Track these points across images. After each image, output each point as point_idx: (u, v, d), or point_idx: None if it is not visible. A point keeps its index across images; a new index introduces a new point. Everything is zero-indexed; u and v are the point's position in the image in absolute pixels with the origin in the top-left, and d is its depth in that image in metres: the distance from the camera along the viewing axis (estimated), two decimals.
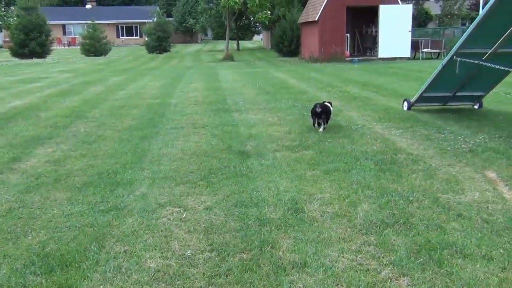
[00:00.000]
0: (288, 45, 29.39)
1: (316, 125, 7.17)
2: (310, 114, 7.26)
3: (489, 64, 7.01)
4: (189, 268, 3.11)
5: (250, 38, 65.83)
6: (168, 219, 3.91)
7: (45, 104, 10.42)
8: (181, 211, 4.09)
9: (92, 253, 3.32)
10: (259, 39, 62.47)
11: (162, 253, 3.33)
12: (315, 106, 7.04)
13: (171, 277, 3.01)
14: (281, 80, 15.17)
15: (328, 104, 7.28)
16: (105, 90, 13.18)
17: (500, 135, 6.52)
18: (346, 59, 23.11)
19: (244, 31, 56.34)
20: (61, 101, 10.95)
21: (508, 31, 6.60)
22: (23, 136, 7.15)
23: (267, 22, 29.10)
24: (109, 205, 4.22)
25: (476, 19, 6.76)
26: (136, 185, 4.76)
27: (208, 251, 3.34)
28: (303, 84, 13.69)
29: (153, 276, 3.02)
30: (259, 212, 3.99)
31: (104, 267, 3.12)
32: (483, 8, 6.62)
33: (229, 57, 28.23)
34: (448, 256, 3.18)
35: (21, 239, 3.57)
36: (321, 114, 6.98)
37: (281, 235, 3.56)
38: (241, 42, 49.86)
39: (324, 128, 7.00)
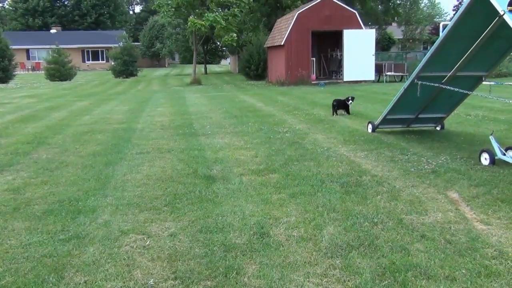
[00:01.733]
0: (255, 69, 29.64)
1: (335, 114, 11.48)
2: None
3: (448, 87, 7.21)
4: None
5: (218, 62, 66.21)
6: (131, 247, 3.82)
7: (5, 130, 10.16)
8: (145, 238, 4.01)
9: (51, 284, 3.20)
10: (227, 63, 62.91)
11: (124, 282, 3.24)
12: (334, 100, 11.81)
13: None
14: (248, 103, 15.24)
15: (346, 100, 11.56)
16: (70, 116, 12.96)
17: (462, 156, 6.68)
18: (313, 82, 23.45)
19: (211, 55, 56.64)
20: (23, 127, 10.70)
21: (465, 55, 6.82)
22: None
23: (234, 44, 29.30)
24: (70, 234, 4.10)
25: (434, 44, 6.97)
26: (99, 213, 4.64)
27: (172, 279, 3.26)
28: (270, 108, 13.77)
29: None
30: (225, 238, 3.94)
31: None
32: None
33: (196, 81, 28.25)
34: (413, 278, 3.19)
35: None
36: (338, 106, 11.59)
37: (246, 261, 3.51)
38: (208, 66, 50.07)
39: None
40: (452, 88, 7.13)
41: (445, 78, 7.35)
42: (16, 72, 36.26)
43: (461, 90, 7.14)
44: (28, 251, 3.78)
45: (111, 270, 3.42)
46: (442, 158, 6.58)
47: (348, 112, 11.67)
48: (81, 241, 3.95)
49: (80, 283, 3.22)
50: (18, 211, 4.75)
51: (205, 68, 46.39)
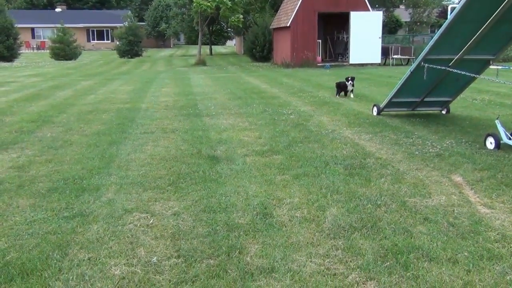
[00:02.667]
0: (260, 51, 29.44)
1: (338, 95, 11.52)
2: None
3: (455, 70, 7.14)
4: (155, 275, 3.05)
5: (223, 43, 65.78)
6: (134, 225, 3.84)
7: (10, 109, 10.17)
8: (148, 217, 4.02)
9: (55, 261, 3.22)
10: (232, 45, 62.51)
11: (127, 260, 3.26)
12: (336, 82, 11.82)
13: (136, 285, 2.94)
14: (253, 85, 15.18)
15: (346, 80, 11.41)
16: (74, 95, 12.95)
17: (467, 140, 6.65)
18: (318, 64, 23.30)
19: (216, 36, 56.22)
20: (28, 105, 10.71)
21: (473, 39, 6.75)
22: None
23: (240, 26, 29.09)
24: (74, 212, 4.12)
25: (442, 27, 6.89)
26: (103, 191, 4.66)
27: (175, 257, 3.28)
28: (274, 89, 13.72)
29: (117, 283, 2.95)
30: (228, 217, 3.95)
31: (66, 275, 3.03)
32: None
33: (201, 62, 28.12)
34: (415, 260, 3.20)
35: None
36: (341, 87, 11.57)
37: (249, 240, 3.53)
38: (213, 47, 49.76)
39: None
40: (458, 71, 7.07)
41: (452, 61, 7.28)
42: (21, 51, 36.24)
43: (467, 74, 7.08)
44: (32, 227, 3.80)
45: (114, 247, 3.44)
46: (447, 142, 6.56)
47: (345, 94, 11.53)
48: (85, 218, 3.97)
49: (84, 259, 3.25)
50: (22, 188, 4.77)
51: (210, 49, 46.13)
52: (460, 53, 7.15)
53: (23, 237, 3.62)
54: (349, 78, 11.34)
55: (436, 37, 6.97)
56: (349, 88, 11.40)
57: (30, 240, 3.56)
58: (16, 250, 3.40)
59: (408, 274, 3.01)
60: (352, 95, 11.40)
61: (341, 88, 11.55)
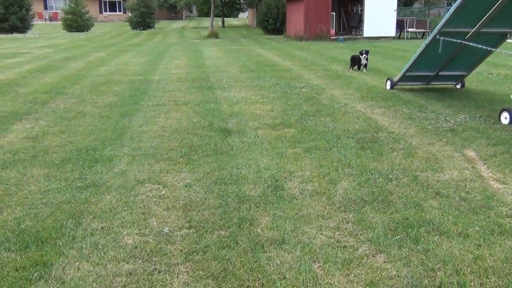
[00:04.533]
0: (273, 23, 29.14)
1: (351, 69, 11.42)
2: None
3: (471, 44, 7.01)
4: (167, 245, 3.09)
5: (236, 16, 65.18)
6: (146, 196, 3.88)
7: (24, 80, 10.22)
8: (160, 188, 4.06)
9: (69, 229, 3.28)
10: (245, 17, 61.87)
11: (139, 229, 3.30)
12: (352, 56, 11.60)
13: (148, 254, 2.99)
14: (265, 58, 15.07)
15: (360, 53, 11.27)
16: (86, 66, 12.96)
17: (481, 115, 6.57)
18: (331, 37, 23.02)
19: (229, 8, 55.72)
20: (41, 76, 10.75)
21: (491, 11, 6.60)
22: (1, 111, 7.01)
23: None
24: (87, 182, 4.17)
25: None
26: (115, 162, 4.70)
27: (186, 228, 3.32)
28: (287, 62, 13.61)
29: (130, 252, 3.00)
30: (239, 190, 3.97)
31: (80, 244, 3.09)
32: None
33: (213, 34, 27.93)
34: (425, 233, 3.20)
35: None
36: (355, 61, 11.38)
37: (260, 212, 3.55)
38: (226, 19, 49.28)
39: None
40: (475, 45, 6.94)
41: (468, 34, 7.15)
42: (33, 22, 36.19)
43: (484, 47, 6.95)
44: (46, 197, 3.86)
45: (127, 217, 3.49)
46: (461, 117, 6.49)
47: (359, 68, 11.38)
48: (98, 189, 4.01)
49: (97, 229, 3.30)
50: (36, 158, 4.83)
51: (223, 21, 45.72)
52: (477, 26, 7.01)
53: (37, 206, 3.68)
54: (363, 52, 11.18)
55: (452, 9, 6.83)
56: (363, 62, 11.24)
57: (44, 209, 3.61)
58: (31, 218, 3.46)
59: (418, 247, 3.02)
60: (365, 69, 11.26)
61: (355, 62, 11.40)
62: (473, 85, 9.06)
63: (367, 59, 11.23)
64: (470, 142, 5.30)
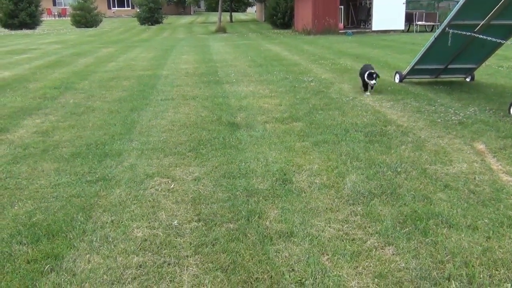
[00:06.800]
0: (281, 17, 29.08)
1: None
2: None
3: (481, 36, 6.96)
4: (176, 238, 3.12)
5: (244, 10, 65.03)
6: (156, 190, 3.90)
7: (33, 76, 10.29)
8: (169, 181, 4.08)
9: (79, 223, 3.31)
10: (253, 11, 61.74)
11: (149, 223, 3.33)
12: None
13: (158, 247, 3.01)
14: (273, 52, 15.04)
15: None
16: (95, 62, 13.02)
17: (491, 108, 6.53)
18: (340, 31, 22.93)
19: (237, 3, 55.54)
20: (50, 72, 10.82)
21: (501, 2, 6.54)
22: (11, 107, 7.07)
23: None
24: (97, 176, 4.20)
25: None
26: (125, 156, 4.73)
27: (195, 221, 3.34)
28: (295, 57, 13.58)
29: (139, 245, 3.02)
30: (247, 183, 3.99)
31: (90, 237, 3.12)
32: None
33: (221, 29, 27.93)
34: (434, 226, 3.19)
35: (8, 209, 3.56)
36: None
37: (268, 206, 3.56)
38: (234, 14, 49.22)
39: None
40: (485, 37, 6.88)
41: (478, 27, 7.09)
42: (42, 18, 36.38)
43: (494, 39, 6.89)
44: (57, 191, 3.90)
45: (136, 211, 3.51)
46: (470, 110, 6.45)
47: (366, 89, 8.05)
48: (108, 183, 4.04)
49: (107, 222, 3.33)
50: (47, 153, 4.87)
51: (231, 16, 45.66)
52: (487, 18, 6.95)
53: (48, 200, 3.72)
54: (373, 75, 7.80)
55: (462, 1, 6.77)
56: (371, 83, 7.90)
57: (55, 203, 3.65)
58: (42, 212, 3.50)
59: (427, 240, 3.02)
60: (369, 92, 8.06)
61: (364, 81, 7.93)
62: (482, 78, 8.99)
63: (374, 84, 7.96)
64: (480, 135, 5.27)
